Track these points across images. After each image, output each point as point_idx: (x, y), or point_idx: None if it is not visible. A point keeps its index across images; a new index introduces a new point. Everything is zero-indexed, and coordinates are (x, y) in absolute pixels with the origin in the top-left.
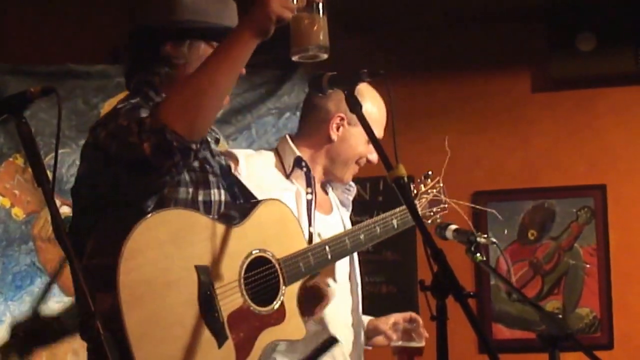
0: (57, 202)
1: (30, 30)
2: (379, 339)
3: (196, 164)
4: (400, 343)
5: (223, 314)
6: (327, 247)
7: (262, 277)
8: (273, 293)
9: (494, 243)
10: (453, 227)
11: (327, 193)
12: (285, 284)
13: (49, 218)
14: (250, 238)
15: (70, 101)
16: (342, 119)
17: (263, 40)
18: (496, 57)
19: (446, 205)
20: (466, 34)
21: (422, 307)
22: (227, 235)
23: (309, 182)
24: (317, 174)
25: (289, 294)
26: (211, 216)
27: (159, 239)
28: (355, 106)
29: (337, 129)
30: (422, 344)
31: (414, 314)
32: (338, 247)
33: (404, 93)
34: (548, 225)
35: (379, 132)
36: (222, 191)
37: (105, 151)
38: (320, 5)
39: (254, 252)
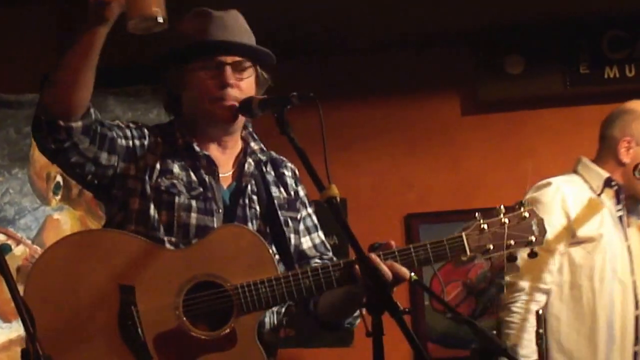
0: None
1: None
2: None
3: (165, 183)
4: None
5: (146, 334)
6: (297, 279)
7: (209, 300)
8: (224, 318)
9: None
10: None
11: None
12: (241, 311)
13: None
14: (197, 262)
15: (2, 130)
16: (629, 142)
17: (101, 23)
18: (425, 81)
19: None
20: (395, 57)
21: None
22: (162, 257)
23: (619, 200)
24: None
25: (246, 321)
26: (145, 239)
27: (78, 255)
28: (285, 128)
29: (627, 151)
30: None
31: None
32: (307, 281)
33: (335, 117)
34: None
35: None
36: (206, 216)
37: None
38: None
39: (200, 275)
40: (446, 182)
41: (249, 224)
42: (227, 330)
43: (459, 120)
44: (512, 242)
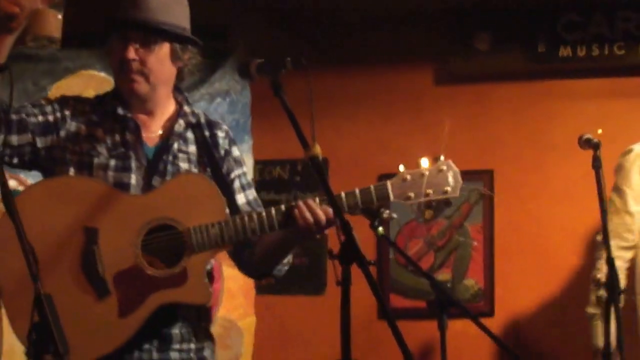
0: (6, 175)
1: None
2: None
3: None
4: None
5: (106, 271)
6: (243, 221)
7: (163, 241)
8: (176, 257)
9: (394, 218)
10: None
11: None
12: (193, 251)
13: None
14: (153, 206)
15: (21, 83)
16: None
17: (4, 34)
18: (402, 54)
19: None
20: (377, 32)
21: (329, 274)
22: (127, 202)
23: None
24: None
25: (196, 261)
26: (109, 185)
27: (50, 195)
28: (278, 91)
29: None
30: None
31: None
32: (252, 223)
33: (322, 83)
34: (442, 205)
35: None
36: (131, 174)
37: None
38: (55, 6)
39: (156, 219)
40: (418, 145)
41: (168, 178)
42: (179, 269)
43: (432, 90)
44: (430, 191)
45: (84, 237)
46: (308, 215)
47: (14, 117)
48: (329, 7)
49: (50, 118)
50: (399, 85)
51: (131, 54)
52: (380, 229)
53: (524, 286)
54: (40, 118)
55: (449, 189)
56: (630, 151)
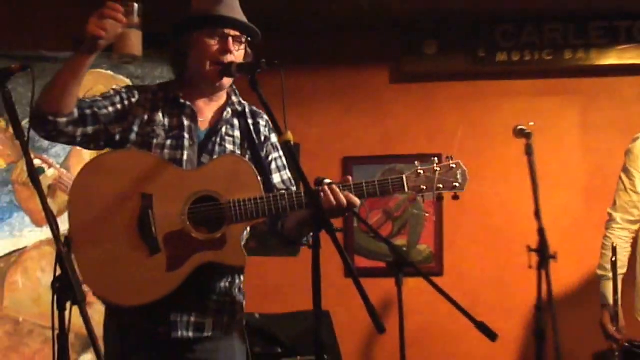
0: (32, 155)
1: (10, 22)
2: None
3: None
4: None
5: (158, 232)
6: (276, 199)
7: (207, 211)
8: (218, 225)
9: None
10: (327, 180)
11: None
12: (231, 221)
13: (25, 167)
14: (200, 180)
15: (42, 79)
16: None
17: (92, 53)
18: (362, 56)
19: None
20: (340, 37)
21: None
22: (178, 175)
23: None
24: None
25: (234, 229)
26: (164, 160)
27: (113, 167)
28: (255, 87)
29: None
30: None
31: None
32: (284, 202)
33: (293, 81)
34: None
35: None
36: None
37: None
38: (135, 28)
39: (202, 191)
40: (375, 134)
41: (215, 157)
42: (219, 234)
43: (387, 87)
44: (441, 185)
45: (141, 201)
46: (332, 198)
47: (87, 111)
48: (299, 15)
49: (119, 106)
50: (360, 83)
51: (232, 46)
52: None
53: (468, 250)
54: (110, 109)
55: (457, 184)
56: (638, 138)
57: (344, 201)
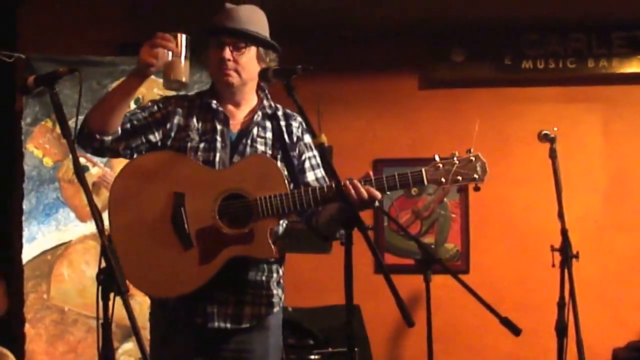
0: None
1: (58, 29)
2: None
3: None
4: None
5: (190, 228)
6: (300, 195)
7: (236, 207)
8: (246, 221)
9: (387, 194)
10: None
11: None
12: (259, 217)
13: (70, 165)
14: (230, 179)
15: (87, 82)
16: None
17: (144, 78)
18: (393, 63)
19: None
20: (371, 45)
21: None
22: (208, 175)
23: None
24: None
25: (262, 224)
26: (197, 161)
27: (147, 169)
28: (290, 92)
29: None
30: None
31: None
32: (307, 197)
33: (327, 86)
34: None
35: None
36: (214, 153)
37: None
38: (182, 56)
39: (231, 189)
40: (404, 137)
41: None
42: (247, 229)
43: (416, 93)
44: (460, 177)
45: (174, 199)
46: (352, 192)
47: (127, 126)
48: (333, 23)
49: (158, 116)
50: (390, 89)
51: (227, 54)
52: (376, 202)
53: (493, 249)
54: (149, 119)
55: (476, 176)
56: None
57: (365, 194)
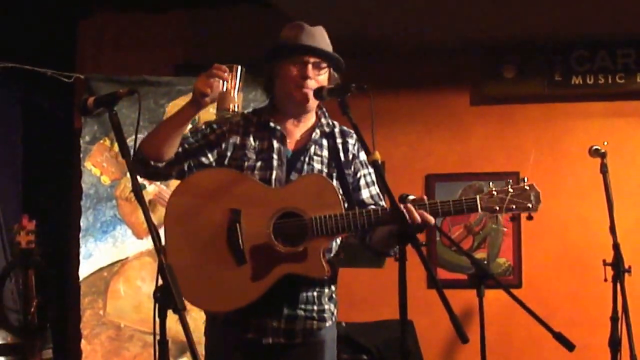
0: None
1: (116, 49)
2: None
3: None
4: None
5: (245, 244)
6: (355, 217)
7: (291, 225)
8: (300, 239)
9: None
10: (411, 197)
11: None
12: (313, 235)
13: (128, 184)
14: (285, 197)
15: (145, 101)
16: None
17: (199, 107)
18: (445, 79)
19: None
20: (423, 62)
21: None
22: (265, 192)
23: None
24: None
25: (315, 243)
26: (254, 179)
27: (203, 186)
28: (345, 109)
29: None
30: None
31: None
32: (362, 219)
33: (380, 103)
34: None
35: None
36: (270, 171)
37: None
38: (236, 87)
39: (286, 207)
40: (456, 152)
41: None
42: (301, 248)
43: (467, 109)
44: (514, 206)
45: (230, 216)
46: (407, 216)
47: (180, 149)
48: (386, 41)
49: (212, 137)
50: (442, 104)
51: (310, 72)
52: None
53: (545, 264)
54: (202, 141)
55: (530, 205)
56: None
57: (419, 219)
